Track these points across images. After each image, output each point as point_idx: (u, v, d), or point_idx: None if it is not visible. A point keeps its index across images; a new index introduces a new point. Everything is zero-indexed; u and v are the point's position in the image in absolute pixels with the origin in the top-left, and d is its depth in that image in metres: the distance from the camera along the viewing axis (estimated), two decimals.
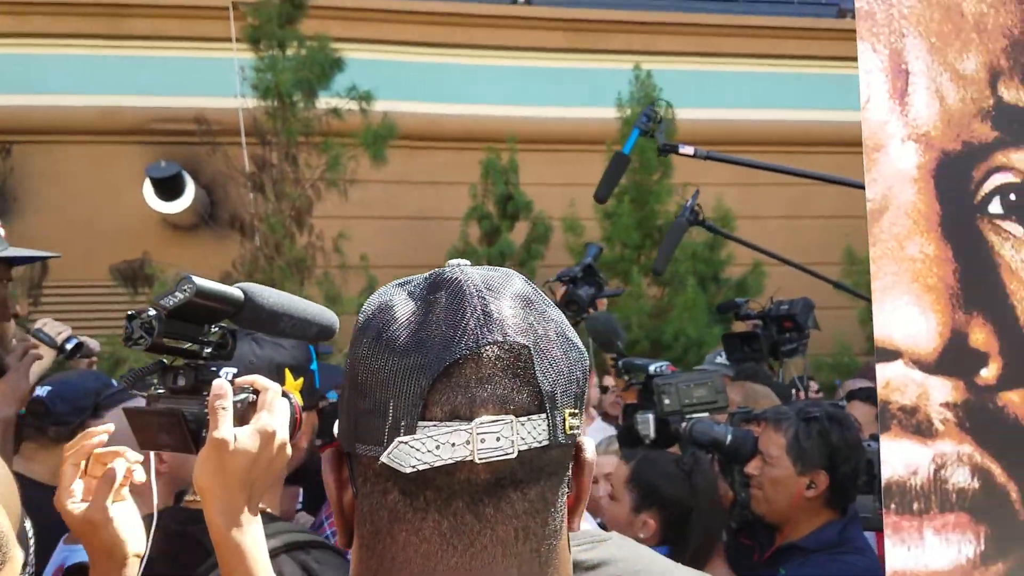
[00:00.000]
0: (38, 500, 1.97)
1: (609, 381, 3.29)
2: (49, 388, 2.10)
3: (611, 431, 2.91)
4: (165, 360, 1.03)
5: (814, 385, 5.34)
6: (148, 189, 6.11)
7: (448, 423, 0.58)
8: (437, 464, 0.57)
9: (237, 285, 1.02)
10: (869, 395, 2.69)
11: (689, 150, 2.58)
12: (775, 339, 3.08)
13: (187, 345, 1.02)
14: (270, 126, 5.64)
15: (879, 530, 1.91)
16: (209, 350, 1.03)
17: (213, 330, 1.03)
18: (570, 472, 0.64)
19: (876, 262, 0.97)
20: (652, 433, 2.04)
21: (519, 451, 0.58)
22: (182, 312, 0.97)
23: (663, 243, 2.72)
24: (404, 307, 0.62)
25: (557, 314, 0.65)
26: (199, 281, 0.96)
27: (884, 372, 0.95)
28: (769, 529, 1.90)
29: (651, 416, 2.05)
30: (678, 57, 7.28)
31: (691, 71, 7.31)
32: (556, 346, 0.62)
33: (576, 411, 0.62)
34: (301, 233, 5.58)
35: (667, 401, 2.01)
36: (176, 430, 0.98)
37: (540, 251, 6.41)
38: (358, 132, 5.63)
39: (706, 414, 2.02)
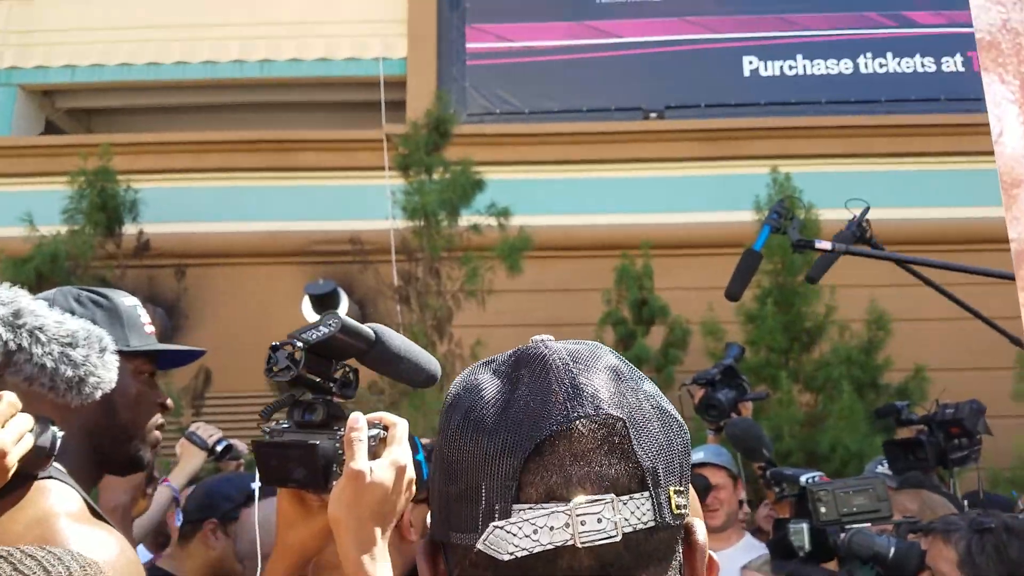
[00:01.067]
0: None
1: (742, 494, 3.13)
2: (192, 489, 2.33)
3: (762, 549, 2.77)
4: (296, 394, 1.04)
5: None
6: (306, 305, 6.66)
7: (544, 505, 0.55)
8: (536, 550, 0.54)
9: (368, 325, 1.06)
10: None
11: (826, 245, 2.52)
12: (942, 446, 2.87)
13: (318, 380, 1.04)
14: (416, 244, 6.09)
15: None
16: (335, 386, 1.05)
17: (337, 368, 1.06)
18: (680, 556, 0.61)
19: None
20: (807, 545, 1.94)
21: (623, 533, 0.54)
22: (321, 347, 1.00)
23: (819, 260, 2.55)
24: (490, 385, 0.61)
25: (651, 388, 0.63)
26: (343, 317, 1.01)
27: None
28: None
29: (805, 526, 1.96)
30: (816, 159, 7.22)
31: (831, 172, 7.21)
32: (653, 419, 0.60)
33: (682, 489, 0.60)
34: (441, 341, 5.87)
35: (823, 510, 1.92)
36: (309, 464, 0.99)
37: (678, 356, 6.32)
38: (496, 245, 5.96)
39: (867, 524, 1.92)
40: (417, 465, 1.57)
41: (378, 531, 0.96)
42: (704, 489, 2.68)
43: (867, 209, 2.65)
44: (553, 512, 0.54)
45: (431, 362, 1.15)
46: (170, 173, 7.13)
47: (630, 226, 7.00)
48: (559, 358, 0.61)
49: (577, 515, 0.54)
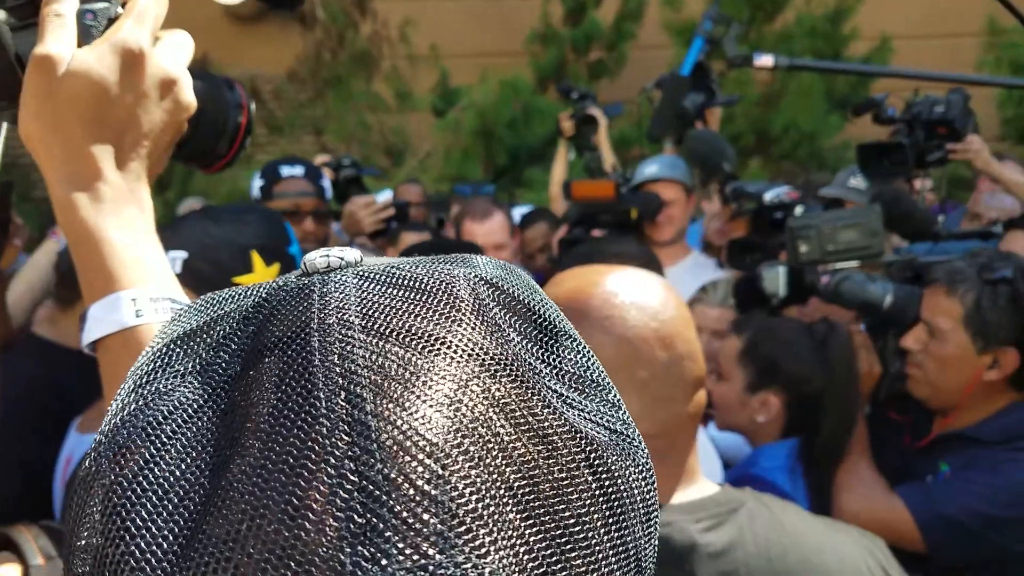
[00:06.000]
0: (64, 366, 1.78)
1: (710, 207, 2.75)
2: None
3: (710, 264, 2.46)
4: None
5: None
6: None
7: None
8: None
9: None
10: None
11: (768, 60, 1.91)
12: (921, 146, 2.44)
13: None
14: None
15: None
16: None
17: None
18: None
19: None
20: (783, 291, 1.59)
21: None
22: None
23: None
24: (186, 429, 0.26)
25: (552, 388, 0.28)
26: None
27: None
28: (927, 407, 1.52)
29: (781, 270, 1.56)
30: None
31: None
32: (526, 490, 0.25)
33: None
34: (364, 19, 5.00)
35: (805, 248, 1.54)
36: None
37: (632, 30, 5.59)
38: None
39: (855, 263, 1.55)
40: (289, 259, 1.05)
41: (103, 153, 0.55)
42: (656, 207, 2.28)
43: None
44: None
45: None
46: None
47: None
48: (336, 370, 0.25)
49: None
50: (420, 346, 0.26)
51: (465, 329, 0.28)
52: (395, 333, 0.27)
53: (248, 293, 0.31)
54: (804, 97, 5.01)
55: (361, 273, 0.29)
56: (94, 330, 0.54)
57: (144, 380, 0.29)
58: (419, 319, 0.27)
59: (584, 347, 0.32)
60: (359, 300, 0.28)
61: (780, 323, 1.54)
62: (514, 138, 5.13)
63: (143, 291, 0.54)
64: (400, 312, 0.27)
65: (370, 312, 0.27)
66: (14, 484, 1.47)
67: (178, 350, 0.29)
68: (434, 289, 0.29)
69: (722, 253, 2.37)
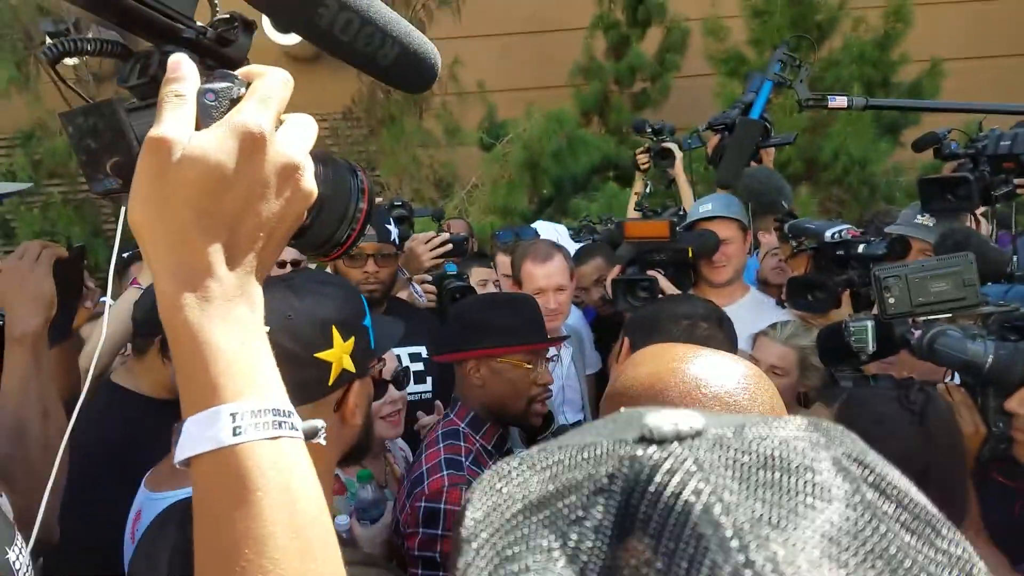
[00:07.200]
0: (141, 413, 1.70)
1: (767, 238, 2.68)
2: (142, 294, 1.85)
3: (770, 303, 2.40)
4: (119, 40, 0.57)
5: None
6: (266, 20, 5.71)
7: None
8: None
9: None
10: None
11: (842, 101, 1.88)
12: (987, 181, 2.34)
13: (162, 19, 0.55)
14: None
15: None
16: (198, 34, 0.55)
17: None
18: None
19: None
20: (872, 346, 1.45)
21: None
22: None
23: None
24: None
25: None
26: None
27: None
28: None
29: (870, 324, 1.45)
30: None
31: None
32: None
33: None
34: None
35: (892, 300, 1.40)
36: (113, 139, 0.53)
37: (676, 62, 5.56)
38: None
39: (947, 315, 1.46)
40: (363, 332, 0.98)
41: (214, 246, 0.50)
42: (713, 246, 2.24)
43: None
44: None
45: (421, 43, 0.63)
46: None
47: None
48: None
49: None
50: (835, 557, 0.24)
51: (859, 527, 0.25)
52: (806, 546, 0.24)
53: (591, 453, 0.29)
54: (853, 123, 4.91)
55: (722, 445, 0.27)
56: (187, 447, 0.48)
57: (508, 555, 0.28)
58: (819, 521, 0.25)
59: (957, 532, 0.29)
60: (751, 495, 0.25)
61: (872, 394, 1.36)
62: (559, 169, 5.13)
63: (245, 404, 0.48)
64: (795, 512, 0.25)
65: (775, 525, 0.24)
66: (86, 534, 1.44)
67: (533, 521, 0.28)
68: (808, 475, 0.26)
69: (781, 291, 2.32)
